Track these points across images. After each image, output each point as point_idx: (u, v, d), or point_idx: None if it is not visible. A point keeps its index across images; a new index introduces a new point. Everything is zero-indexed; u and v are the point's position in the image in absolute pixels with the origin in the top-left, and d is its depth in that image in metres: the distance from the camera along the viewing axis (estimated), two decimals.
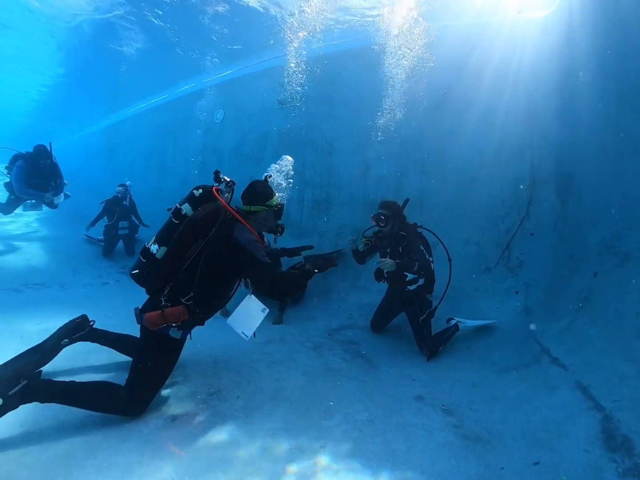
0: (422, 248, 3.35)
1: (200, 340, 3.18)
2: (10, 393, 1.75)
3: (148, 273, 2.16)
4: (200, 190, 2.25)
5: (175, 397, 2.41)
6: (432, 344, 3.34)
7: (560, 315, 3.16)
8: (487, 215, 4.32)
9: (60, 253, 5.89)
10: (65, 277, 4.92)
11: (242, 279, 2.42)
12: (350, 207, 5.65)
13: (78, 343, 2.56)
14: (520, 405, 2.47)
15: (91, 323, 2.63)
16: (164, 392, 2.42)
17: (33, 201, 5.82)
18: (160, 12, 6.38)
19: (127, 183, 6.94)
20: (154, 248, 2.15)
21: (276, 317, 4.40)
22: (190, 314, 2.12)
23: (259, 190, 2.40)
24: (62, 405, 1.96)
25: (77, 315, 2.59)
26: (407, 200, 3.70)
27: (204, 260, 2.08)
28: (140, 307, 2.21)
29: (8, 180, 5.70)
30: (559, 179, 3.68)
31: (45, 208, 6.16)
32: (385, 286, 3.84)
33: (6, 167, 5.62)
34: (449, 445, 2.11)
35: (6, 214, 6.20)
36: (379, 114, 5.22)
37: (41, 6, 6.74)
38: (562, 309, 3.20)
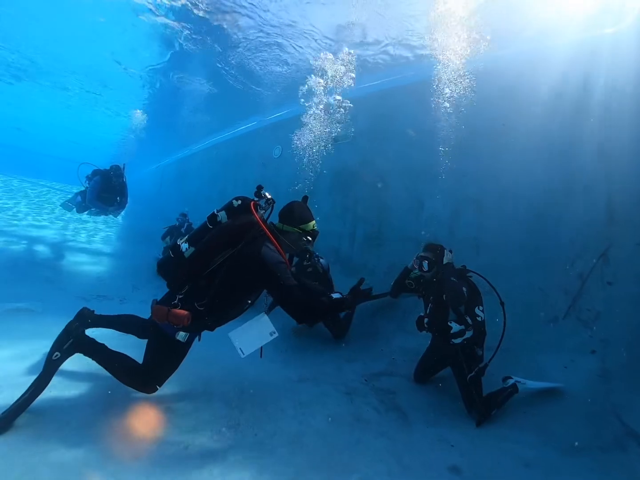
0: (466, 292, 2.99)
1: (232, 367, 3.24)
2: (64, 347, 2.19)
3: (173, 268, 2.24)
4: (240, 202, 2.31)
5: (194, 423, 2.37)
6: (483, 406, 2.88)
7: None
8: (553, 258, 3.76)
9: (126, 269, 6.52)
10: (126, 292, 5.37)
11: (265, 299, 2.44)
12: (401, 245, 5.42)
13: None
14: None
15: (92, 311, 2.71)
16: (184, 417, 2.40)
17: (97, 210, 6.74)
18: (225, 55, 7.20)
19: (185, 211, 7.59)
20: (184, 246, 2.22)
21: (296, 328, 4.27)
22: (198, 320, 2.15)
23: (295, 212, 2.39)
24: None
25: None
26: (450, 250, 3.42)
27: (227, 269, 2.12)
28: (158, 300, 2.29)
29: (83, 189, 6.72)
30: None
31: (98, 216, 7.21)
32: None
33: (87, 177, 6.63)
34: None
35: (79, 213, 7.33)
36: (432, 148, 5.07)
37: (133, 66, 8.10)
38: None
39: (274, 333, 2.35)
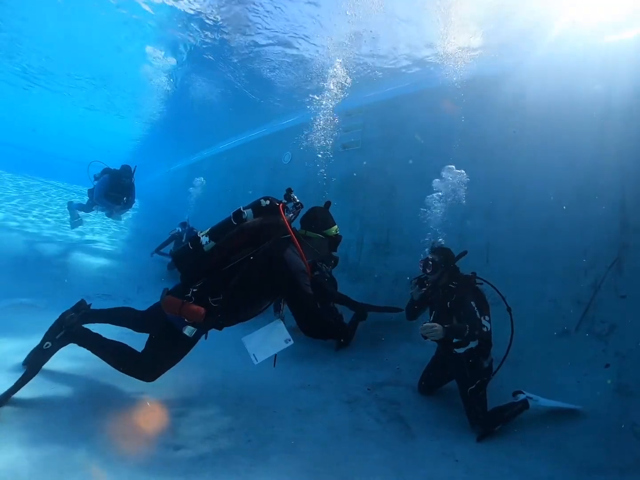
0: (474, 304, 2.82)
1: (232, 371, 3.19)
2: (57, 337, 2.17)
3: (190, 260, 2.18)
4: (268, 202, 2.27)
5: (186, 426, 2.30)
6: (486, 420, 2.72)
7: None
8: (565, 268, 3.62)
9: (132, 271, 6.43)
10: (131, 293, 5.31)
11: (280, 304, 2.39)
12: (409, 253, 5.31)
13: None
14: None
15: (89, 305, 2.66)
16: (176, 420, 2.33)
17: (102, 208, 6.78)
18: (235, 62, 7.30)
19: (187, 219, 7.32)
20: (204, 239, 2.17)
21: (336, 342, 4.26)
22: (210, 318, 2.07)
23: (319, 217, 2.38)
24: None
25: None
26: (464, 252, 3.30)
27: (246, 269, 2.06)
28: (169, 289, 2.23)
29: (92, 187, 6.76)
30: None
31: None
32: None
33: (95, 175, 6.69)
34: None
35: (86, 212, 7.37)
36: (442, 155, 5.00)
37: (146, 70, 8.31)
38: None
39: (289, 340, 2.28)
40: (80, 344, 2.25)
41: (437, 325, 2.56)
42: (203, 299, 2.07)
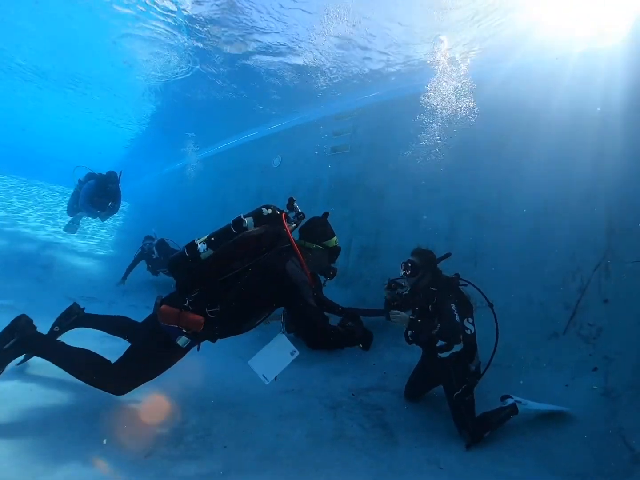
0: (454, 308, 2.73)
1: (214, 376, 3.09)
2: (5, 347, 1.93)
3: (185, 268, 2.08)
4: (270, 211, 2.21)
5: (160, 431, 2.20)
6: (474, 427, 2.63)
7: None
8: (553, 271, 3.60)
9: (118, 273, 6.23)
10: (115, 296, 5.25)
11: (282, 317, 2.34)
12: (398, 257, 5.21)
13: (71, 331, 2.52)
14: None
15: (82, 308, 2.58)
16: (150, 424, 2.22)
17: (87, 213, 6.57)
18: (224, 65, 7.28)
19: (153, 233, 6.89)
20: (201, 247, 2.08)
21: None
22: (207, 329, 1.98)
23: (318, 228, 2.34)
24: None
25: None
26: (447, 254, 3.21)
27: (246, 279, 1.99)
28: (163, 297, 2.11)
29: (74, 191, 6.59)
30: None
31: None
32: None
33: (79, 180, 6.52)
34: None
35: (69, 216, 7.08)
36: (431, 159, 5.01)
37: (137, 70, 8.25)
38: None
39: (295, 352, 2.20)
40: (37, 354, 2.04)
41: (402, 313, 2.76)
42: (200, 309, 1.98)
